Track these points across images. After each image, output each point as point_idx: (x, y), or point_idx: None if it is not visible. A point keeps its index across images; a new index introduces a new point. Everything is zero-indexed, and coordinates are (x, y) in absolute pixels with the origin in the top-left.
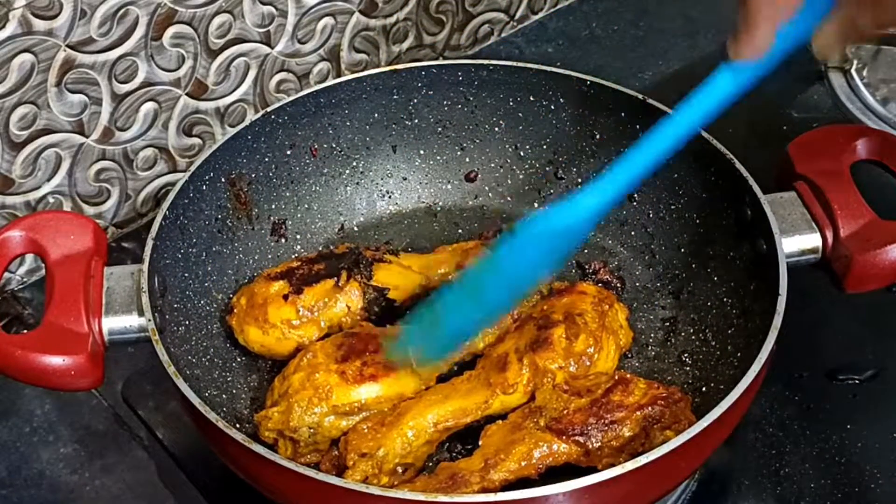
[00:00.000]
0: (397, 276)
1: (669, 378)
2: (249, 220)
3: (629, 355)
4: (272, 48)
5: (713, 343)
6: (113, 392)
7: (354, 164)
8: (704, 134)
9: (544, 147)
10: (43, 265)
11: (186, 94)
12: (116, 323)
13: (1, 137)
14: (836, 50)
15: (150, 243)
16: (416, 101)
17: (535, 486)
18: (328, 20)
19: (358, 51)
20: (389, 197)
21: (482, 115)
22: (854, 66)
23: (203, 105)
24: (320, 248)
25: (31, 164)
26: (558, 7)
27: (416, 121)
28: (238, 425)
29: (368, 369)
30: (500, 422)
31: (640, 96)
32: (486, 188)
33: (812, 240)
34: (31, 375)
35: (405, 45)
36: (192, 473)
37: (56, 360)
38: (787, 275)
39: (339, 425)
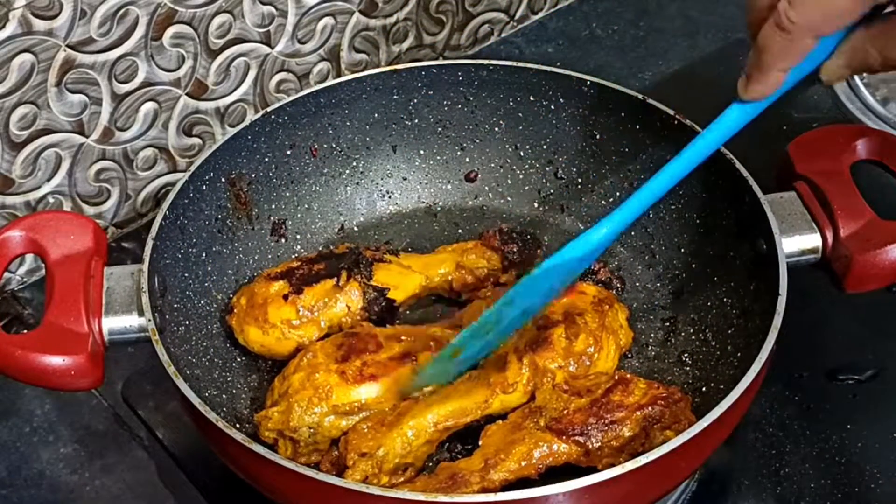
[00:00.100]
0: (397, 277)
1: (669, 378)
2: (249, 220)
3: (629, 355)
4: (272, 48)
5: (713, 343)
6: (113, 392)
7: (354, 164)
8: None
9: (544, 147)
10: (43, 265)
11: (186, 94)
12: (116, 323)
13: (1, 137)
14: (843, 79)
15: (150, 243)
16: (416, 101)
17: (535, 486)
18: (328, 20)
19: (358, 51)
20: (389, 197)
21: (482, 115)
22: None
23: (203, 105)
24: (320, 248)
25: (31, 164)
26: (558, 7)
27: (416, 121)
28: (238, 425)
29: (368, 369)
30: (500, 422)
31: (640, 96)
32: (486, 188)
33: (812, 240)
34: (31, 375)
35: (405, 45)
36: (192, 473)
37: (56, 360)
38: (787, 275)
39: (339, 425)
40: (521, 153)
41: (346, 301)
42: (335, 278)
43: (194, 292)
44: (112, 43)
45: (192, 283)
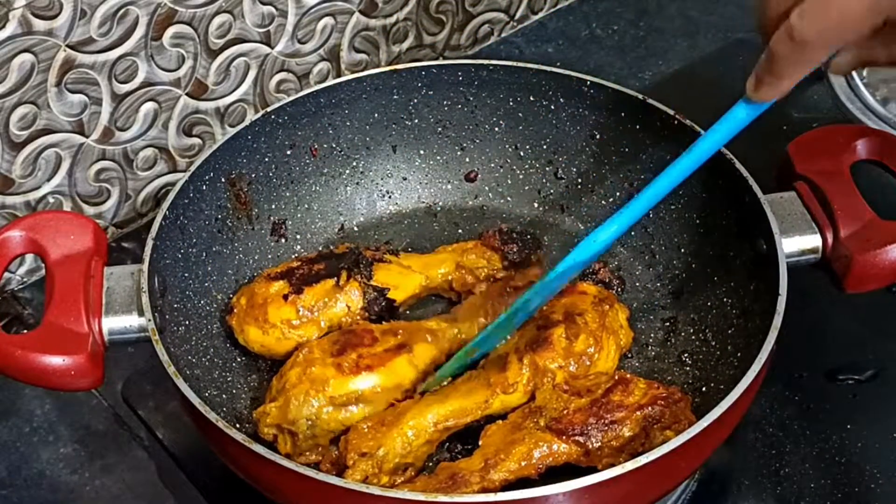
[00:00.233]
0: (397, 277)
1: (669, 378)
2: (249, 220)
3: (629, 355)
4: (272, 48)
5: (713, 343)
6: (113, 392)
7: (354, 164)
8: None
9: (544, 147)
10: (43, 265)
11: (186, 94)
12: (116, 323)
13: (1, 137)
14: (850, 72)
15: (150, 243)
16: (416, 101)
17: (535, 486)
18: (328, 20)
19: (358, 51)
20: (389, 197)
21: (482, 115)
22: None
23: (203, 105)
24: (320, 248)
25: (31, 164)
26: (558, 7)
27: (416, 121)
28: (238, 425)
29: (364, 360)
30: (500, 422)
31: (640, 96)
32: (486, 188)
33: (812, 240)
34: (31, 375)
35: (405, 45)
36: (192, 473)
37: (56, 360)
38: (787, 275)
39: (337, 417)
40: (521, 153)
41: (346, 301)
42: (335, 278)
43: (194, 292)
44: (112, 43)
45: (192, 283)
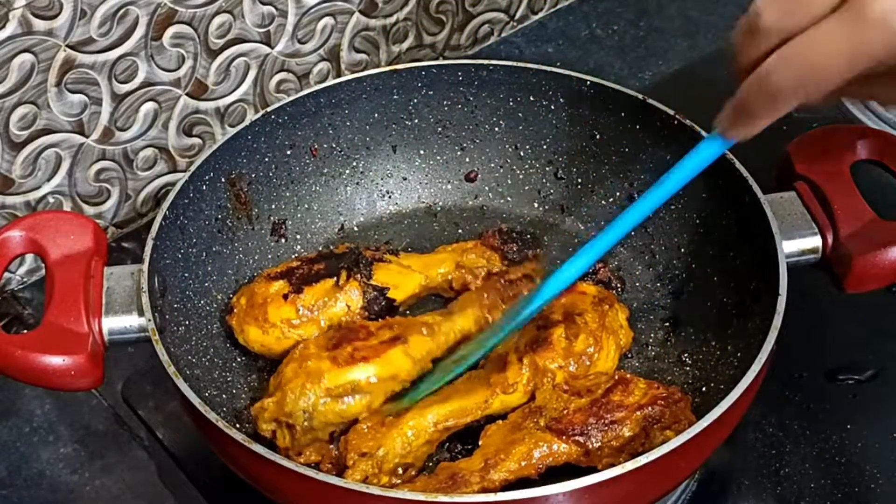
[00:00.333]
0: (397, 276)
1: (669, 378)
2: (249, 220)
3: (629, 355)
4: (272, 48)
5: (713, 343)
6: (113, 392)
7: (354, 164)
8: (704, 134)
9: (544, 147)
10: (43, 265)
11: (186, 94)
12: (116, 323)
13: (1, 137)
14: (832, 104)
15: (150, 243)
16: (416, 101)
17: (535, 486)
18: (328, 20)
19: (358, 51)
20: (389, 197)
21: (482, 115)
22: None
23: (203, 105)
24: (320, 248)
25: (31, 164)
26: (558, 7)
27: (416, 121)
28: (238, 425)
29: (360, 353)
30: (500, 422)
31: (640, 96)
32: (486, 188)
33: (812, 240)
34: (31, 375)
35: (405, 45)
36: (192, 473)
37: (56, 360)
38: (787, 275)
39: (334, 409)
40: (521, 153)
41: (346, 300)
42: (335, 278)
43: (194, 292)
44: (112, 43)
45: (192, 283)
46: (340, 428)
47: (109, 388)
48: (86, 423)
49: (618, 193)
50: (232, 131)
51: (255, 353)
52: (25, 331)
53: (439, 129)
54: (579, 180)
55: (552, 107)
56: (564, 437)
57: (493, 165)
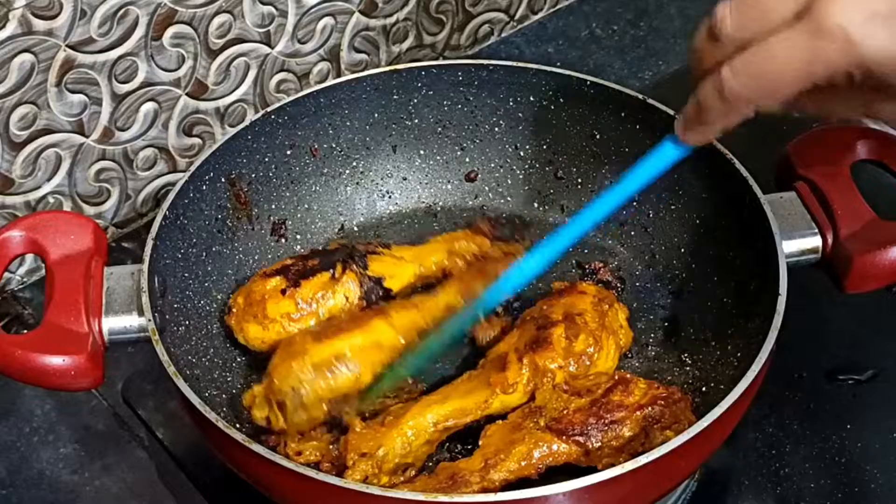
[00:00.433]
0: (391, 267)
1: (669, 378)
2: (249, 220)
3: (629, 355)
4: (272, 48)
5: (713, 343)
6: (113, 392)
7: (354, 164)
8: None
9: (544, 147)
10: (43, 265)
11: (186, 94)
12: (116, 323)
13: (1, 137)
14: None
15: (150, 243)
16: (416, 101)
17: (535, 486)
18: (328, 20)
19: (358, 51)
20: (389, 197)
21: (482, 115)
22: None
23: (203, 105)
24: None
25: (31, 164)
26: (558, 7)
27: (416, 121)
28: (238, 425)
29: (342, 327)
30: (500, 422)
31: (640, 96)
32: (486, 188)
33: (812, 240)
34: (31, 375)
35: (405, 45)
36: (192, 473)
37: (56, 360)
38: (787, 275)
39: (321, 383)
40: (521, 153)
41: (344, 292)
42: (331, 270)
43: (194, 292)
44: (112, 43)
45: (192, 283)
46: (333, 410)
47: (109, 388)
48: (86, 423)
49: None
50: (232, 131)
51: (255, 353)
52: (25, 331)
53: (439, 129)
54: (579, 180)
55: (552, 107)
56: (564, 437)
57: (493, 165)
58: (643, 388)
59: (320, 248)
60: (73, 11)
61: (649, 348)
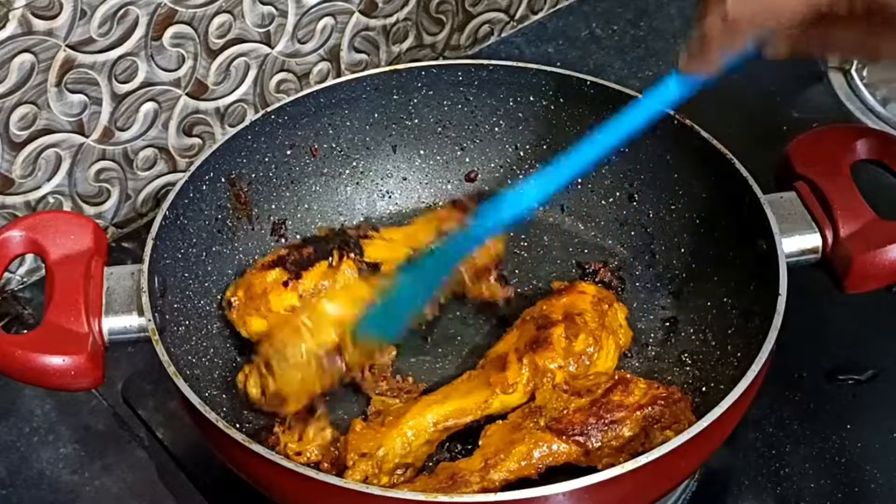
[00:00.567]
0: (384, 251)
1: (669, 378)
2: (249, 220)
3: (629, 355)
4: (272, 48)
5: (713, 343)
6: (113, 392)
7: (354, 164)
8: (704, 134)
9: (544, 147)
10: (43, 265)
11: (186, 94)
12: (116, 323)
13: (1, 137)
14: (785, 58)
15: (150, 243)
16: (416, 101)
17: (535, 486)
18: (328, 20)
19: (358, 51)
20: (389, 197)
21: (482, 115)
22: (854, 66)
23: (203, 105)
24: None
25: (31, 164)
26: (558, 7)
27: (416, 121)
28: (238, 425)
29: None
30: (500, 422)
31: (640, 96)
32: (486, 188)
33: (812, 240)
34: (31, 375)
35: (405, 45)
36: (192, 473)
37: (56, 360)
38: (787, 275)
39: (305, 334)
40: (521, 153)
41: (343, 280)
42: (328, 259)
43: (194, 292)
44: (112, 43)
45: (192, 283)
46: (322, 364)
47: (109, 388)
48: (86, 423)
49: (618, 193)
50: (232, 131)
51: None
52: (25, 331)
53: (439, 129)
54: (579, 180)
55: (552, 107)
56: (564, 437)
57: (493, 165)
58: (643, 388)
59: (312, 236)
60: (73, 11)
61: (649, 348)
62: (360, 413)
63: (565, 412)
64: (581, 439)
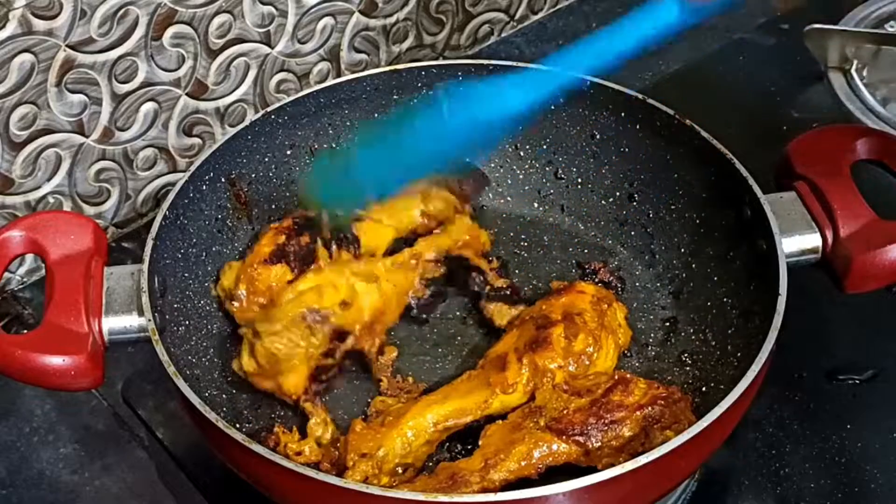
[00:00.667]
0: (375, 236)
1: (669, 378)
2: (249, 220)
3: (629, 355)
4: (272, 48)
5: (713, 343)
6: (113, 392)
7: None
8: (704, 134)
9: (544, 147)
10: (43, 265)
11: (186, 94)
12: (116, 323)
13: (1, 137)
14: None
15: (150, 243)
16: (416, 101)
17: (535, 486)
18: (328, 20)
19: (358, 51)
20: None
21: None
22: (854, 66)
23: (203, 105)
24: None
25: (31, 164)
26: (558, 7)
27: None
28: (238, 425)
29: None
30: (499, 422)
31: (640, 96)
32: (486, 188)
33: (812, 240)
34: (31, 375)
35: (405, 45)
36: (192, 473)
37: (56, 360)
38: (787, 275)
39: (285, 291)
40: (521, 153)
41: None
42: (328, 253)
43: (194, 292)
44: (112, 43)
45: (192, 283)
46: (309, 325)
47: (109, 388)
48: (86, 423)
49: (618, 193)
50: (232, 131)
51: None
52: (25, 331)
53: None
54: (579, 180)
55: (552, 107)
56: (564, 437)
57: (493, 165)
58: (643, 388)
59: (300, 219)
60: (73, 11)
61: (649, 348)
62: (360, 413)
63: (565, 412)
64: (581, 439)
